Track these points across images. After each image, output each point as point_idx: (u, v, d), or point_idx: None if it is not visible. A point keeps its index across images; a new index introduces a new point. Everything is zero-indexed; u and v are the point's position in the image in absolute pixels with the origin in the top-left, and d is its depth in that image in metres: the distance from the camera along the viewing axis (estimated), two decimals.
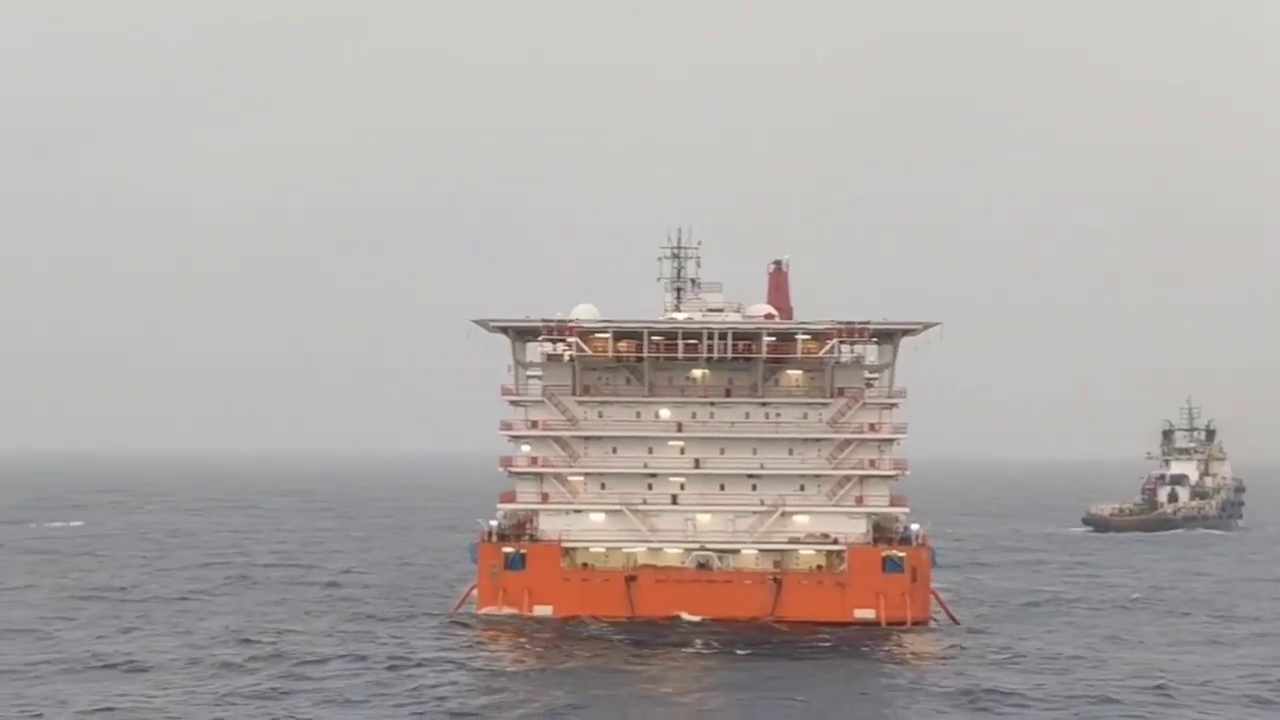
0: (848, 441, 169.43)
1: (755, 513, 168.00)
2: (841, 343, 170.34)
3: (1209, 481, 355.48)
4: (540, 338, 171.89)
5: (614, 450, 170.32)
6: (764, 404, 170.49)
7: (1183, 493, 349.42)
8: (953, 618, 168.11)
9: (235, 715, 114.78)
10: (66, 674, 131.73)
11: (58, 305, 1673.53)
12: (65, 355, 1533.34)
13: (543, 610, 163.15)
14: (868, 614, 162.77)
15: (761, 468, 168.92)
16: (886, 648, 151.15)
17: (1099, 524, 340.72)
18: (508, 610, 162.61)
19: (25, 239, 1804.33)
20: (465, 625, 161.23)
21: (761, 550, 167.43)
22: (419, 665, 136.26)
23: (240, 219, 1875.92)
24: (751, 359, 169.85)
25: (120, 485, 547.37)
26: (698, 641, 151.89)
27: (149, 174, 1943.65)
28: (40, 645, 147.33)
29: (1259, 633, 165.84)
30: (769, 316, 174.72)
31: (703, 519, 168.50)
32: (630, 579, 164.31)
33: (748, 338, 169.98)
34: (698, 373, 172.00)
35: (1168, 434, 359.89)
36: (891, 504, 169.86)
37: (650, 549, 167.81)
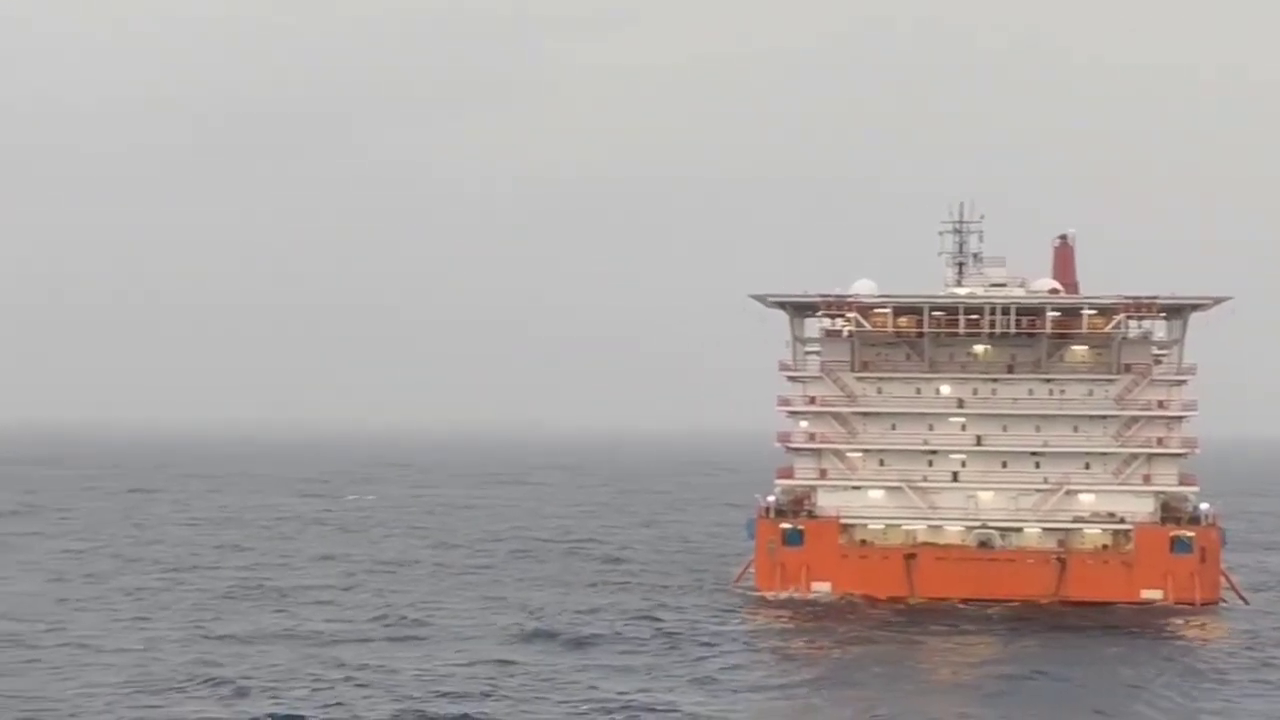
0: (1135, 419, 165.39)
1: (1038, 491, 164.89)
2: (1129, 318, 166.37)
3: None
4: (819, 313, 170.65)
5: (893, 426, 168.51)
6: (1048, 380, 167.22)
7: None
8: (1243, 599, 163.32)
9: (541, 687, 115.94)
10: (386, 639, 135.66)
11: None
12: (379, 339, 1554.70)
13: (820, 587, 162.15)
14: (1154, 595, 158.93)
15: (1045, 445, 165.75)
16: (1174, 629, 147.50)
17: None
18: (785, 587, 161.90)
19: (310, 220, 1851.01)
20: (743, 601, 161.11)
21: (1045, 529, 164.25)
22: (702, 642, 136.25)
23: (510, 197, 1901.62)
24: (1035, 334, 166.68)
25: (409, 460, 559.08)
26: (978, 621, 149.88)
27: (426, 154, 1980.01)
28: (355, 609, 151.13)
29: None
30: (1053, 291, 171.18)
31: (984, 496, 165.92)
32: (909, 557, 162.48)
33: (1031, 313, 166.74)
34: (979, 348, 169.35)
35: None
36: (1180, 483, 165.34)
37: (930, 526, 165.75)
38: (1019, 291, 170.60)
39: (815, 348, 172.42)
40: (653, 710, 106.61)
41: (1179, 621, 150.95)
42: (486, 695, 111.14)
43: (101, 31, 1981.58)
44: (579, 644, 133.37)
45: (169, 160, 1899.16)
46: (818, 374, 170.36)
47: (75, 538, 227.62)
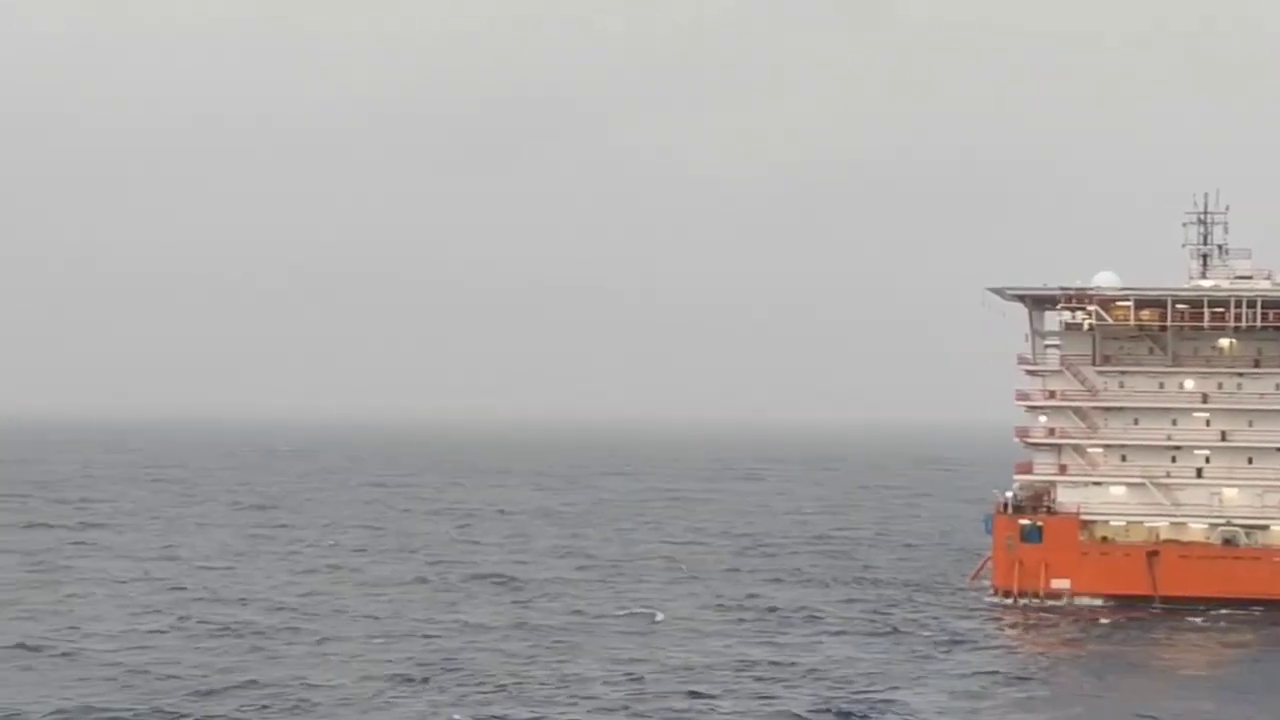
0: None
1: None
2: None
3: None
4: (1058, 306, 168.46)
5: (1135, 422, 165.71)
6: None
7: None
8: None
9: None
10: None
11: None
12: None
13: (1060, 584, 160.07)
14: None
15: None
16: None
17: None
18: (1024, 585, 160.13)
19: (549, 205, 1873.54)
20: (979, 598, 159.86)
21: None
22: (938, 640, 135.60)
23: (753, 187, 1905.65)
24: None
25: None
26: (1223, 620, 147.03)
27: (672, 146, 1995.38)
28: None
29: None
30: None
31: (1229, 493, 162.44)
32: (1152, 554, 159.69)
33: (1278, 306, 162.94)
34: (1225, 342, 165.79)
35: None
36: None
37: (1173, 524, 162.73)
38: (1266, 284, 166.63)
39: (1055, 341, 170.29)
40: (888, 710, 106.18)
41: None
42: (730, 691, 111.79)
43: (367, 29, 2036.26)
44: (809, 640, 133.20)
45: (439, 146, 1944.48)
46: (1057, 368, 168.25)
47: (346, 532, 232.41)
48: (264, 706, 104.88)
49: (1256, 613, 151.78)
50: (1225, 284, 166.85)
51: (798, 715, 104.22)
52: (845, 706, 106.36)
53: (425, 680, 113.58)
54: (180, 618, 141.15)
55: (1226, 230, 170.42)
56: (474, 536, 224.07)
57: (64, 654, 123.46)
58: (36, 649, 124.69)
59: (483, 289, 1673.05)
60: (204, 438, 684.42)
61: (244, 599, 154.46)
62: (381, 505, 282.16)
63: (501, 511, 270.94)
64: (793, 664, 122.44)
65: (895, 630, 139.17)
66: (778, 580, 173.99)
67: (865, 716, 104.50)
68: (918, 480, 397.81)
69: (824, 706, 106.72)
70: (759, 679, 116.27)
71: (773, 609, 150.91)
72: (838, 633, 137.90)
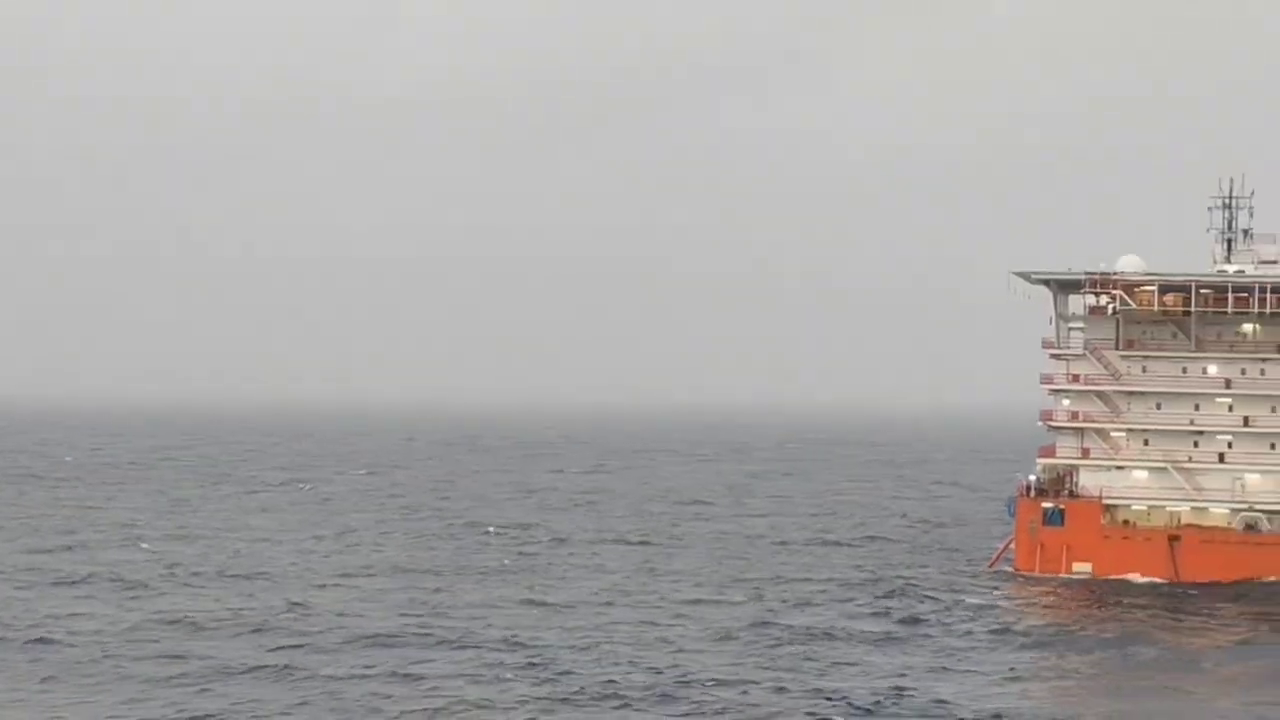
0: None
1: None
2: None
3: None
4: (1083, 290, 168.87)
5: (1158, 406, 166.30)
6: None
7: None
8: None
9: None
10: None
11: None
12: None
13: (1081, 568, 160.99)
14: None
15: None
16: None
17: None
18: (1046, 568, 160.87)
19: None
20: (1001, 581, 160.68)
21: None
22: (955, 624, 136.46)
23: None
24: None
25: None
26: (1244, 604, 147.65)
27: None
28: None
29: None
30: None
31: (1251, 479, 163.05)
32: (1174, 539, 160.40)
33: None
34: (1248, 327, 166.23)
35: None
36: None
37: (1195, 508, 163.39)
38: None
39: (1079, 325, 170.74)
40: (913, 695, 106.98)
41: None
42: (738, 665, 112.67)
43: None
44: (826, 627, 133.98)
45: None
46: (1081, 352, 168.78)
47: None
48: None
49: (1274, 598, 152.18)
50: (1249, 269, 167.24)
51: (849, 704, 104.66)
52: (881, 695, 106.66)
53: None
54: None
55: (1251, 215, 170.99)
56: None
57: None
58: None
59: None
60: None
61: None
62: None
63: None
64: (800, 648, 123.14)
65: (913, 615, 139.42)
66: (789, 565, 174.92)
67: (895, 701, 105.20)
68: (940, 463, 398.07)
69: (834, 694, 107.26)
70: (776, 661, 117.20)
71: (781, 596, 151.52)
72: (855, 615, 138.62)
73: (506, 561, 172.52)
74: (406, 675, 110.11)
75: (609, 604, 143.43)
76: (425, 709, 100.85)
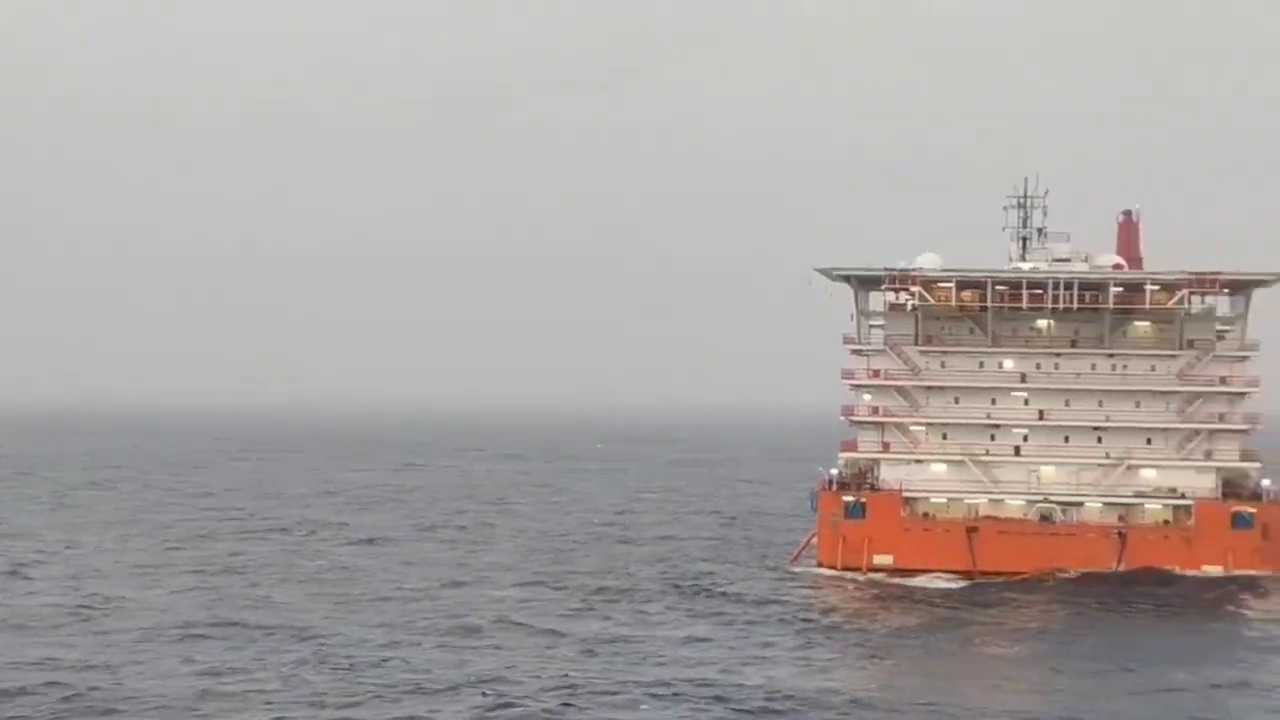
0: (1197, 395, 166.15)
1: (1100, 465, 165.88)
2: (1192, 293, 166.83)
3: None
4: (883, 287, 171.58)
5: (956, 401, 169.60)
6: (1110, 355, 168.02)
7: None
8: None
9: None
10: None
11: None
12: None
13: (882, 560, 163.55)
14: (1215, 570, 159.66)
15: (1107, 420, 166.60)
16: (1231, 602, 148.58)
17: None
18: (847, 560, 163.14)
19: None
20: (804, 574, 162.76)
21: (1106, 504, 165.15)
22: (757, 617, 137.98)
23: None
24: (1098, 310, 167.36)
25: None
26: (1038, 594, 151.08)
27: None
28: None
29: None
30: (1117, 267, 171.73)
31: (1046, 471, 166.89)
32: (971, 530, 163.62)
33: (1094, 288, 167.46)
34: (1043, 323, 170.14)
35: None
36: (1242, 459, 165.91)
37: (992, 500, 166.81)
38: (1082, 267, 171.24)
39: (879, 321, 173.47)
40: (712, 685, 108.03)
41: (1237, 595, 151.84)
42: (545, 661, 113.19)
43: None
44: (632, 621, 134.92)
45: None
46: (881, 347, 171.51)
47: None
48: None
49: (1067, 587, 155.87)
50: (1044, 266, 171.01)
51: (650, 695, 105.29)
52: (685, 688, 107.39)
53: None
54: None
55: (1045, 214, 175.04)
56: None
57: None
58: None
59: None
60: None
61: None
62: None
63: None
64: (630, 645, 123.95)
65: (715, 609, 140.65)
66: (594, 568, 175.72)
67: (706, 696, 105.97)
68: (743, 462, 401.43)
69: (635, 688, 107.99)
70: (577, 657, 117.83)
71: (600, 589, 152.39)
72: (654, 608, 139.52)
73: (313, 562, 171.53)
74: (203, 673, 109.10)
75: (413, 600, 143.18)
76: (229, 707, 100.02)
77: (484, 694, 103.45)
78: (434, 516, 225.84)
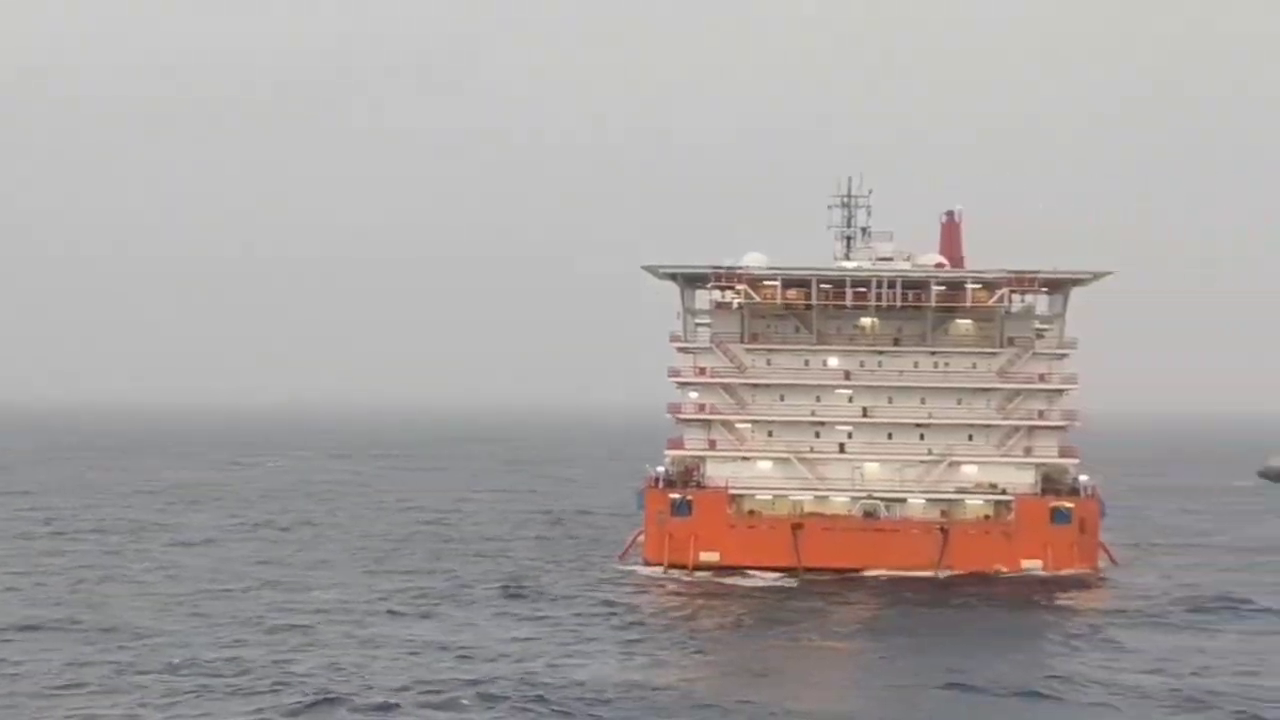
0: (1016, 392, 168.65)
1: (923, 462, 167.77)
2: (1012, 292, 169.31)
3: None
4: (709, 285, 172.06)
5: (781, 398, 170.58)
6: (933, 353, 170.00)
7: None
8: (1115, 564, 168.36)
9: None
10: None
11: None
12: None
13: (709, 557, 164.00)
14: (1034, 565, 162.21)
15: (929, 417, 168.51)
16: (1048, 597, 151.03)
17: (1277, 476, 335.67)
18: (674, 557, 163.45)
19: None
20: (630, 572, 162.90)
21: (929, 500, 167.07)
22: (582, 612, 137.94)
23: None
24: (921, 308, 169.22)
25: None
26: (861, 590, 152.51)
27: None
28: None
29: None
30: (939, 266, 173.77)
31: (870, 468, 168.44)
32: (797, 527, 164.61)
33: (917, 286, 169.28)
34: (866, 321, 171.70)
35: None
36: (1061, 455, 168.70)
37: (817, 497, 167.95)
38: (905, 265, 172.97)
39: (706, 319, 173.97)
40: (536, 683, 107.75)
41: (1054, 590, 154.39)
42: (365, 663, 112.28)
43: None
44: (459, 621, 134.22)
45: None
46: (707, 345, 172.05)
47: None
48: None
49: (889, 582, 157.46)
50: (868, 265, 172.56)
51: (474, 694, 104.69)
52: (508, 687, 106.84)
53: None
54: None
55: (869, 214, 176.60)
56: None
57: None
58: None
59: None
60: None
61: None
62: None
63: None
64: (427, 639, 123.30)
65: (541, 607, 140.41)
66: (411, 567, 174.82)
67: (529, 695, 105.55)
68: (574, 459, 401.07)
69: (449, 679, 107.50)
70: (398, 656, 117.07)
71: (423, 590, 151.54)
72: (496, 614, 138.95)
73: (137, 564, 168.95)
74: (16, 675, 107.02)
75: (237, 599, 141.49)
76: (47, 706, 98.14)
77: (305, 694, 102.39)
78: (259, 515, 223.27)
